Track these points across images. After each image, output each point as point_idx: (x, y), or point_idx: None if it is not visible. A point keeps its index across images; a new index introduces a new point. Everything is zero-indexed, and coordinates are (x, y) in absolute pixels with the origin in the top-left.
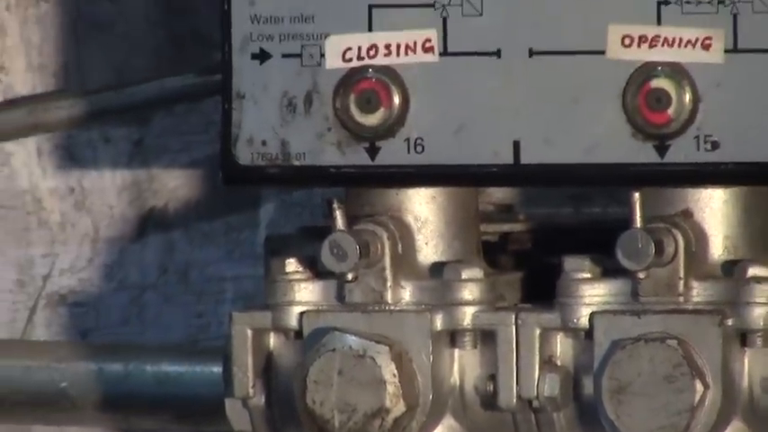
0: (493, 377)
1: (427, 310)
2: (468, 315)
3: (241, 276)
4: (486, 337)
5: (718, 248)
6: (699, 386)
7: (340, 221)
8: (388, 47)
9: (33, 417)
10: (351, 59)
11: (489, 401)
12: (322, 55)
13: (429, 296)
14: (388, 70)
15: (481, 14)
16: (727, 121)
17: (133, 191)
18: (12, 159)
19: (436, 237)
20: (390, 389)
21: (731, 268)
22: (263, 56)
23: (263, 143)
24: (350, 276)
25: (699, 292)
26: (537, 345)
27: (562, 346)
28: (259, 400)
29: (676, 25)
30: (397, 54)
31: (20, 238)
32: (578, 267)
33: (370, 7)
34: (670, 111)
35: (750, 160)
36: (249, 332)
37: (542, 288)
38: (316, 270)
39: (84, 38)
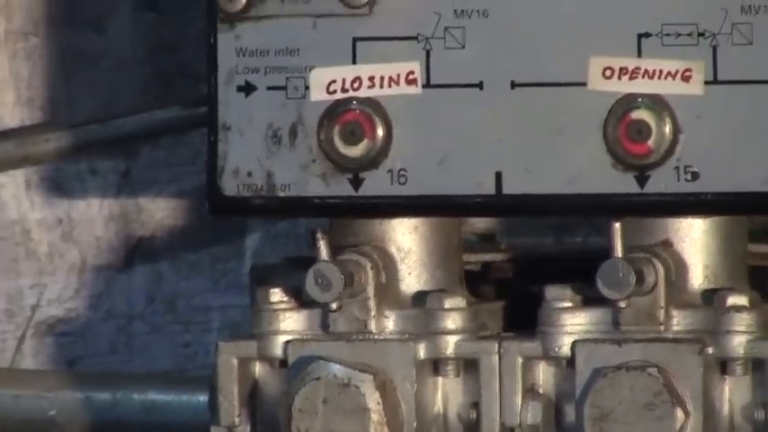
0: (476, 405)
1: (411, 339)
2: (451, 344)
3: (227, 306)
4: (468, 366)
5: (698, 278)
6: (679, 414)
7: (324, 252)
8: (371, 79)
9: None
10: (335, 92)
11: (472, 429)
12: (306, 87)
13: (412, 325)
14: (371, 102)
15: (463, 47)
16: (706, 152)
17: (120, 222)
18: (1, 191)
19: (419, 266)
20: (375, 417)
21: (711, 297)
22: (248, 88)
23: (249, 174)
24: (334, 306)
25: (679, 321)
26: (519, 373)
27: (544, 375)
28: (245, 428)
29: (656, 57)
30: (381, 86)
31: (9, 269)
32: (560, 296)
33: (354, 40)
34: (650, 142)
35: (730, 190)
36: (235, 361)
37: (524, 317)
38: (300, 300)
39: (73, 72)
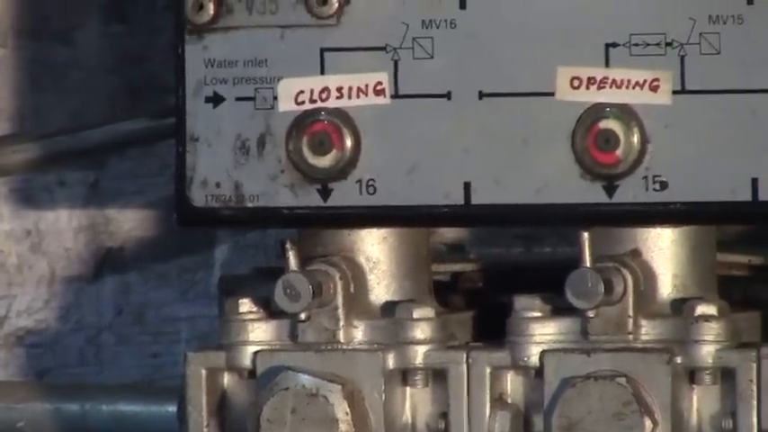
0: (444, 415)
1: (379, 349)
2: (419, 354)
3: (196, 317)
4: (437, 376)
5: (666, 287)
6: (648, 423)
7: (293, 262)
8: (339, 90)
9: None
10: (303, 102)
11: None
12: (275, 98)
13: (381, 335)
14: (339, 113)
15: (432, 57)
16: (674, 162)
17: (89, 233)
18: None
19: (388, 277)
20: (343, 427)
21: (680, 306)
22: (216, 99)
23: (217, 185)
24: (303, 316)
25: (648, 331)
26: (488, 383)
27: (513, 384)
28: None
29: (624, 67)
30: (349, 97)
31: None
32: (528, 306)
33: (322, 51)
34: (618, 151)
35: (698, 200)
36: (203, 372)
37: (493, 327)
38: (269, 310)
39: (41, 83)
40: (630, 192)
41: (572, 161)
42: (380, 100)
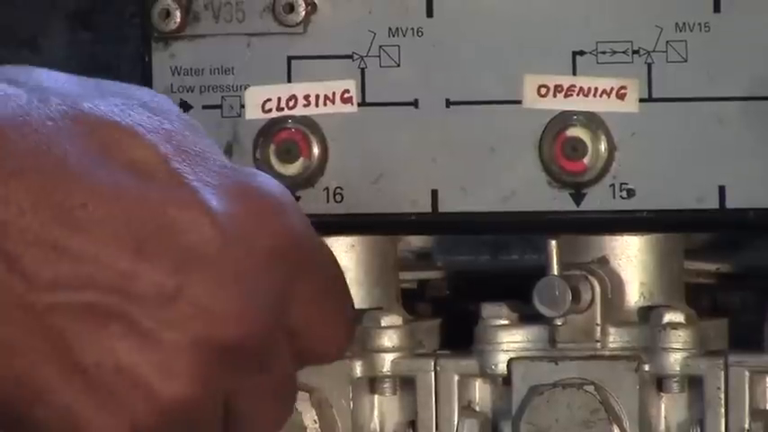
0: (412, 423)
1: (347, 357)
2: (387, 362)
3: None
4: (405, 384)
5: (634, 295)
6: (616, 431)
7: None
8: (307, 98)
9: None
10: (270, 110)
11: None
12: (242, 106)
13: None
14: (307, 121)
15: (399, 65)
16: (642, 170)
17: None
18: None
19: (355, 284)
20: None
21: (647, 314)
22: (183, 107)
23: None
24: None
25: (615, 339)
26: (455, 391)
27: (480, 392)
28: None
29: (591, 75)
30: (317, 105)
31: None
32: (496, 314)
33: (289, 59)
34: (586, 159)
35: (665, 208)
36: None
37: (460, 335)
38: None
39: None
40: (598, 199)
41: (539, 169)
42: (348, 108)
